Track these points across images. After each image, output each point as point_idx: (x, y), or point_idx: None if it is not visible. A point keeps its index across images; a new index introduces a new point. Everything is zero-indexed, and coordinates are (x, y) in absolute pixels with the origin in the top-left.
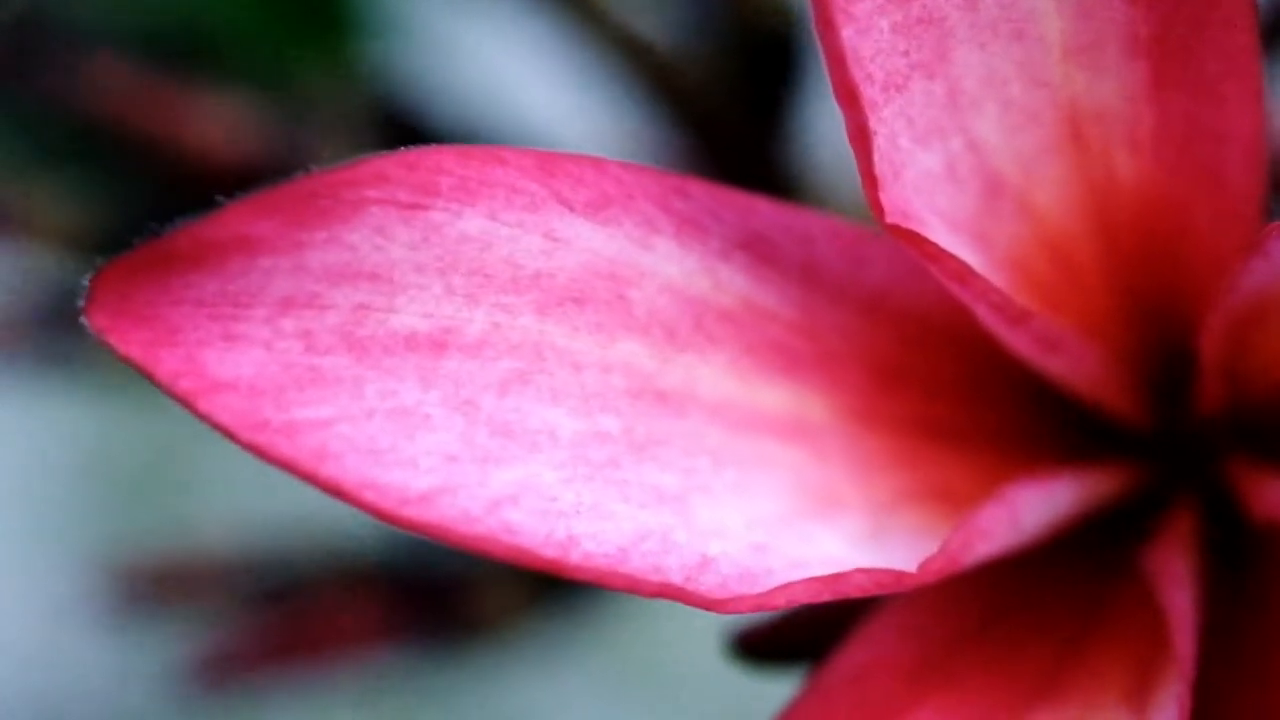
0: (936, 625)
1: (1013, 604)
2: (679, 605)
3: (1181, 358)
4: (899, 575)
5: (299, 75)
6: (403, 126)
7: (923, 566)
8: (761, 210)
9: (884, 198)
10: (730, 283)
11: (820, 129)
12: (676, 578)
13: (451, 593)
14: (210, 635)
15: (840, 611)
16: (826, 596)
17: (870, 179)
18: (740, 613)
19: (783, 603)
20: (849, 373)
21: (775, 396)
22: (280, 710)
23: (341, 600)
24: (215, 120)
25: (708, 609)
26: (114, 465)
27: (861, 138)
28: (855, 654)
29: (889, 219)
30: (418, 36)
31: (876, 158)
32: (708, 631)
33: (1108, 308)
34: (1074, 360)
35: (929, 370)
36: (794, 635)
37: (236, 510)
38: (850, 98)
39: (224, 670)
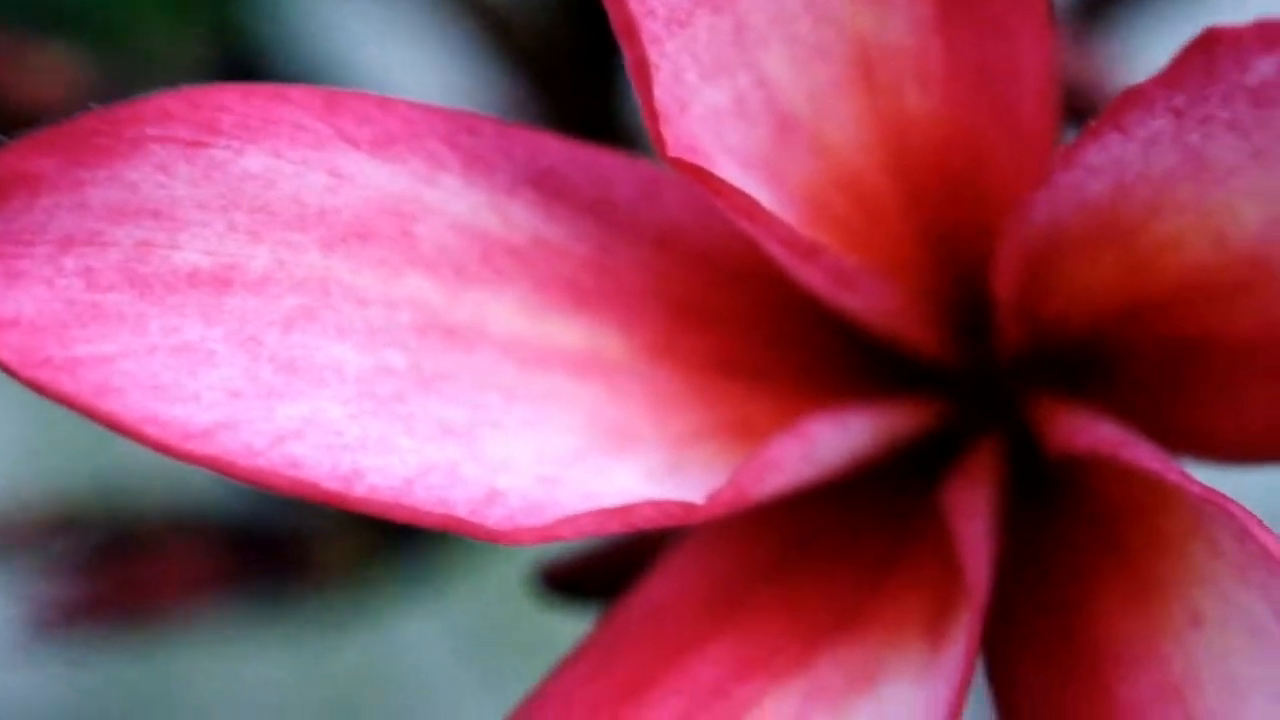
0: (736, 560)
1: (816, 539)
2: (526, 552)
3: (984, 295)
4: (688, 507)
5: (148, 34)
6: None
7: (711, 498)
8: (551, 147)
9: (667, 132)
10: (520, 219)
11: None
12: (462, 510)
13: (295, 543)
14: (50, 584)
15: (647, 548)
16: (614, 528)
17: (651, 113)
18: (525, 544)
19: (569, 534)
20: (646, 309)
21: (569, 333)
22: (119, 658)
23: (183, 550)
24: (57, 77)
25: (492, 540)
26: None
27: (641, 71)
28: (652, 588)
29: (672, 153)
30: None
31: (658, 92)
32: None
33: (907, 245)
34: (870, 296)
35: (729, 307)
36: (601, 572)
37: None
38: (627, 31)
39: (63, 618)
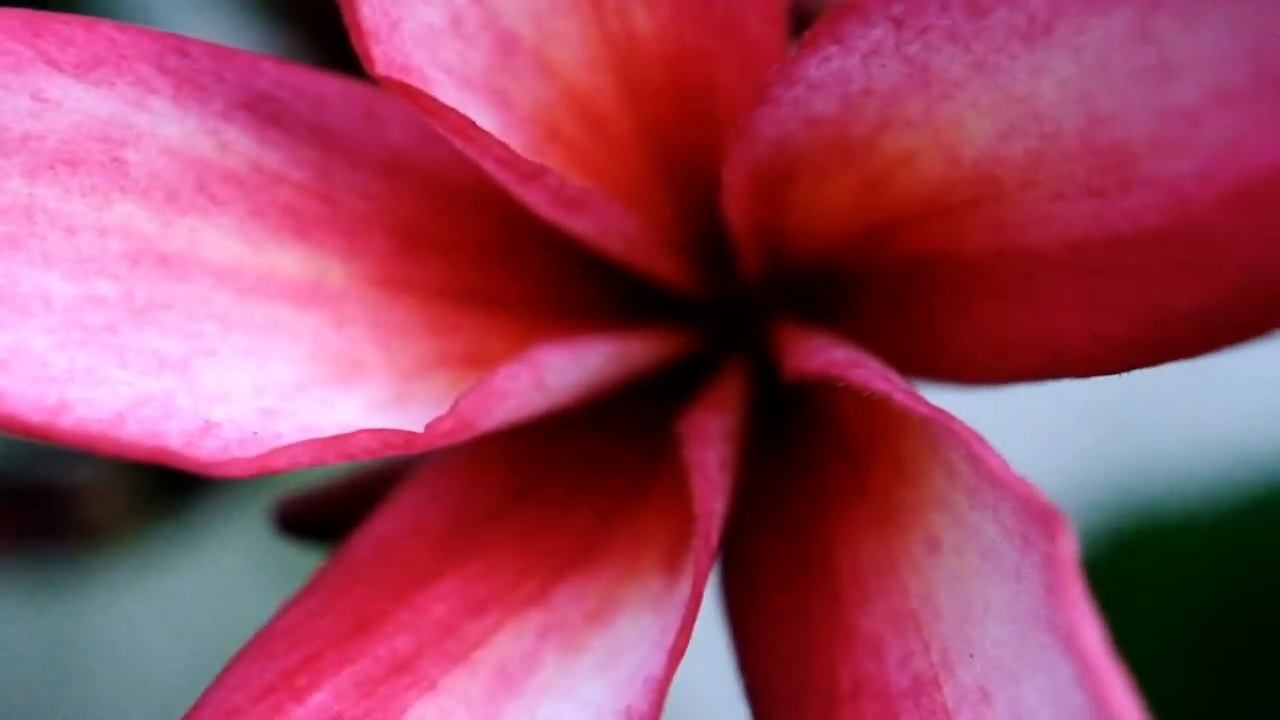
0: (472, 492)
1: (559, 470)
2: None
3: (725, 219)
4: (408, 437)
5: None
6: None
7: (432, 427)
8: (267, 70)
9: (376, 50)
10: (235, 144)
11: None
12: (175, 443)
13: (62, 498)
14: None
15: (389, 484)
16: (330, 458)
17: (359, 30)
18: (238, 476)
19: (283, 465)
20: (370, 237)
21: (289, 261)
22: None
23: None
24: None
25: (204, 472)
26: None
27: None
28: (384, 522)
29: (381, 71)
30: None
31: (367, 10)
32: None
33: (643, 169)
34: (600, 220)
35: (460, 234)
36: (339, 508)
37: None
38: None
39: None
